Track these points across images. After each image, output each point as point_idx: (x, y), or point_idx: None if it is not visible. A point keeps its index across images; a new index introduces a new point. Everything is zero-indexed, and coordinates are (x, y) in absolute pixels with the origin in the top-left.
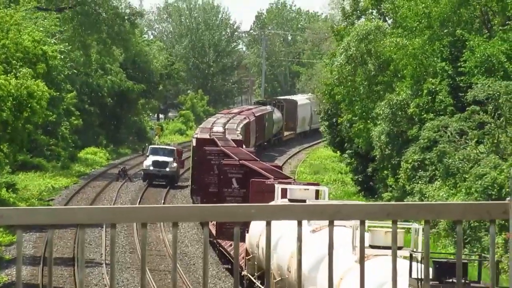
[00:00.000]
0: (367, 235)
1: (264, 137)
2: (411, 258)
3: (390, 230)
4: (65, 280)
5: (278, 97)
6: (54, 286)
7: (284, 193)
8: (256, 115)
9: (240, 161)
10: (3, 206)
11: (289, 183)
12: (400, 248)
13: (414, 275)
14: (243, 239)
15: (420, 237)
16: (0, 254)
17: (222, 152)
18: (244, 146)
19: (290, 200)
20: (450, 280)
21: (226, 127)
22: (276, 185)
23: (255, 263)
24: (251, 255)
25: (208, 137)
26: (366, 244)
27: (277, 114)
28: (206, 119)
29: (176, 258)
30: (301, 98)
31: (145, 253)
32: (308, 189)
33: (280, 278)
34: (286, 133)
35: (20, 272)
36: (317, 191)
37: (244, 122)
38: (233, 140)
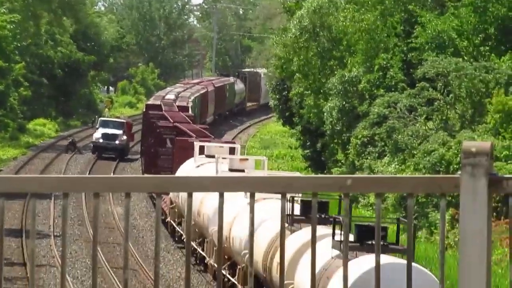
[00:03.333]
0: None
1: (225, 106)
2: (334, 222)
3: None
4: (12, 251)
5: (242, 69)
6: None
7: (202, 150)
8: (216, 85)
9: (174, 123)
10: None
11: (209, 141)
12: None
13: (337, 238)
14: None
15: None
16: None
17: (163, 116)
18: (190, 112)
19: (207, 156)
20: (370, 242)
21: (180, 95)
22: (195, 143)
23: (176, 210)
24: (174, 204)
25: (158, 103)
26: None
27: (239, 85)
28: (156, 92)
29: (129, 228)
30: (265, 71)
31: (98, 222)
32: (222, 147)
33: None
34: (249, 104)
35: None
36: (231, 148)
37: (202, 91)
38: (179, 106)
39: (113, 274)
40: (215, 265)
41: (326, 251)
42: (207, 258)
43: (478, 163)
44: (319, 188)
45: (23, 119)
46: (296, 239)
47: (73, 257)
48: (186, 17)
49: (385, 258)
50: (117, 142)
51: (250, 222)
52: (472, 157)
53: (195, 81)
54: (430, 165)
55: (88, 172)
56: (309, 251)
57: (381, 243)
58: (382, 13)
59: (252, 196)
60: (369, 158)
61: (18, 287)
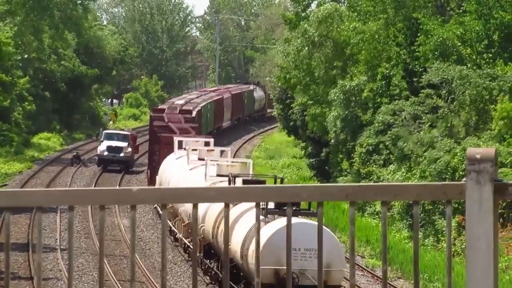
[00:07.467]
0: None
1: (243, 112)
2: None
3: (232, 164)
4: (19, 265)
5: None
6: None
7: (180, 144)
8: (232, 92)
9: (167, 123)
10: None
11: (189, 137)
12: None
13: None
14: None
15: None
16: None
17: (162, 117)
18: (193, 115)
19: (185, 149)
20: (285, 208)
21: (191, 101)
22: (174, 138)
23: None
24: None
25: (164, 107)
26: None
27: (259, 93)
28: (160, 104)
29: (135, 240)
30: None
31: (103, 235)
32: (198, 141)
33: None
34: (269, 110)
35: None
36: (206, 142)
37: (216, 98)
38: (182, 110)
39: (120, 286)
40: (184, 240)
41: (254, 217)
42: (179, 234)
43: (483, 169)
44: (325, 197)
45: (27, 133)
46: (235, 211)
47: (80, 270)
48: (188, 28)
49: (297, 220)
50: (122, 154)
51: (257, 231)
52: (477, 164)
53: (213, 88)
54: (436, 173)
55: (93, 185)
56: (240, 220)
57: (294, 208)
58: (386, 22)
59: (258, 206)
60: (374, 166)
61: None
